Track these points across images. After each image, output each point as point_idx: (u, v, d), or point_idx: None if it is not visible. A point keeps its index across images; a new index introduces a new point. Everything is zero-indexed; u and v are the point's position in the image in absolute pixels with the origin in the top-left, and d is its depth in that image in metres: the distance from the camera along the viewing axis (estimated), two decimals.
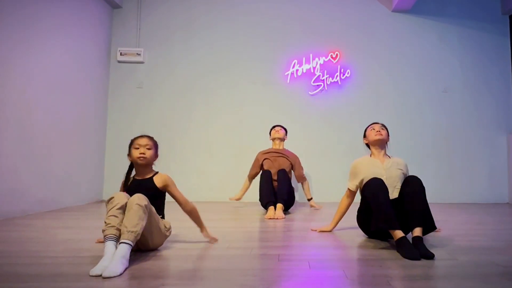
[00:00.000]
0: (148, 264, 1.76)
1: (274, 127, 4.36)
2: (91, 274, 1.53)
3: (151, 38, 5.27)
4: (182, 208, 2.17)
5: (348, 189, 2.60)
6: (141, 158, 2.08)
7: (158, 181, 2.13)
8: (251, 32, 5.26)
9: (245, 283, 1.49)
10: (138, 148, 2.10)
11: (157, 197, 2.11)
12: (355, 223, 2.66)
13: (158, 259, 1.86)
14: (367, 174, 2.41)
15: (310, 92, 5.17)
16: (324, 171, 5.10)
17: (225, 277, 1.58)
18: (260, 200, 3.84)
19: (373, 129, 2.61)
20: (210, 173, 5.11)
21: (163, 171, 2.19)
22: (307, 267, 1.74)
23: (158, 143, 2.20)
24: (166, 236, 2.10)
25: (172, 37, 5.28)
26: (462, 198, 5.10)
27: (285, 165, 4.11)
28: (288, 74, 5.17)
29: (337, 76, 5.16)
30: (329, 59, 5.18)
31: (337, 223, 2.69)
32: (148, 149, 2.10)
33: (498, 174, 5.22)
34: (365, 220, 2.41)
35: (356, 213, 2.54)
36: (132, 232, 1.71)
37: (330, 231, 2.68)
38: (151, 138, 2.17)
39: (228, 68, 5.21)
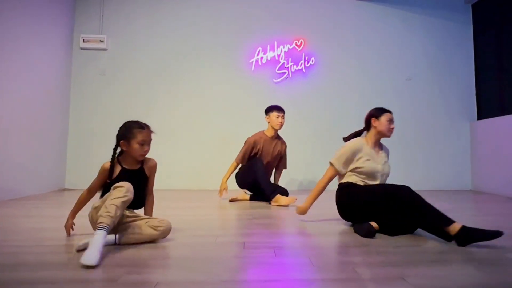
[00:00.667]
0: (113, 253, 1.71)
1: (277, 109, 3.81)
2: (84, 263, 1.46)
3: (114, 25, 5.20)
4: (147, 194, 2.09)
5: (335, 169, 2.46)
6: (144, 156, 1.97)
7: (147, 170, 2.04)
8: (215, 20, 5.23)
9: (210, 271, 1.48)
10: (143, 145, 1.93)
11: (145, 186, 2.04)
12: (323, 210, 2.64)
13: (123, 247, 1.80)
14: (367, 169, 2.40)
15: (274, 80, 5.17)
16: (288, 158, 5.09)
17: (190, 265, 1.56)
18: (249, 186, 3.70)
19: (390, 121, 2.50)
20: (175, 160, 5.07)
21: None
22: (272, 254, 1.73)
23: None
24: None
25: (135, 23, 5.22)
26: (426, 185, 5.16)
27: (278, 155, 3.89)
28: (252, 62, 5.15)
29: (301, 63, 5.16)
30: (294, 46, 5.19)
31: (312, 202, 2.56)
32: (149, 144, 1.98)
33: (461, 162, 5.29)
34: (351, 209, 2.36)
35: (340, 201, 2.43)
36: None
37: (306, 211, 2.58)
38: (150, 128, 2.02)
39: (192, 55, 5.18)
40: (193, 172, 5.05)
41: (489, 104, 5.17)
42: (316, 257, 1.68)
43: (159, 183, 4.86)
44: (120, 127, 1.97)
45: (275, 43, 5.18)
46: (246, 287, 1.32)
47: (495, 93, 5.04)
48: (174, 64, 5.16)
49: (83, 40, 5.11)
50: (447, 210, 2.21)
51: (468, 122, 5.34)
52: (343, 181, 2.46)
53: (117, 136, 1.96)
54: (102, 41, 5.12)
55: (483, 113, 5.26)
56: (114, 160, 1.95)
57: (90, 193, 2.00)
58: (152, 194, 2.12)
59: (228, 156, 5.06)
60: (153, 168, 2.07)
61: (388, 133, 2.47)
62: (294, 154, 5.10)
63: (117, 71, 5.15)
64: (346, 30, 5.30)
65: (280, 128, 3.80)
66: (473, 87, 5.39)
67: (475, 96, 5.38)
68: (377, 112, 2.53)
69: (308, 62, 5.18)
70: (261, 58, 5.14)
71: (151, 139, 1.98)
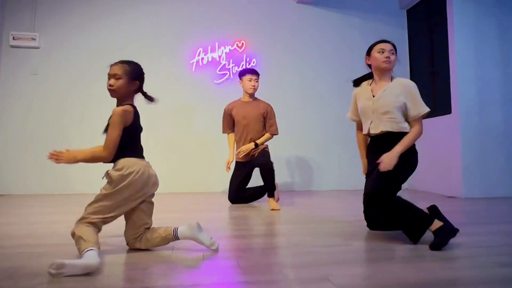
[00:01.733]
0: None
1: (250, 72, 3.76)
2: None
3: (47, 21, 4.98)
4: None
5: (352, 120, 2.45)
6: (110, 91, 1.84)
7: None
8: (155, 19, 5.14)
9: (134, 277, 1.44)
10: (108, 79, 1.84)
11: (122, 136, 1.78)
12: (248, 211, 2.62)
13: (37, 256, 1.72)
14: (359, 110, 2.29)
15: (215, 81, 5.15)
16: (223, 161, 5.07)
17: (113, 272, 1.49)
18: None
19: (382, 51, 2.20)
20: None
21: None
22: (200, 257, 1.71)
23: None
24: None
25: (71, 21, 5.02)
26: (362, 185, 5.29)
27: (260, 116, 3.78)
28: (193, 63, 5.10)
29: (243, 65, 5.17)
30: (235, 48, 5.19)
31: (365, 157, 2.48)
32: (118, 78, 1.83)
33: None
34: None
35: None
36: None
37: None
38: (123, 64, 1.88)
39: (130, 55, 5.00)
40: None
41: None
42: (244, 260, 1.68)
43: (95, 185, 4.70)
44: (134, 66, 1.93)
45: (216, 44, 5.16)
46: None
47: (428, 95, 5.27)
48: (110, 61, 4.99)
49: (13, 37, 4.86)
50: None
51: None
52: None
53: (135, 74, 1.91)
54: (34, 39, 4.89)
55: None
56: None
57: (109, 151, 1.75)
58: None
59: (170, 158, 4.99)
60: (112, 115, 1.83)
61: (383, 64, 2.16)
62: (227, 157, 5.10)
63: (50, 70, 4.93)
64: (287, 32, 5.37)
65: (253, 92, 3.76)
66: None
67: None
68: (369, 48, 2.29)
69: (249, 64, 5.19)
70: (202, 59, 5.10)
71: (116, 74, 1.85)
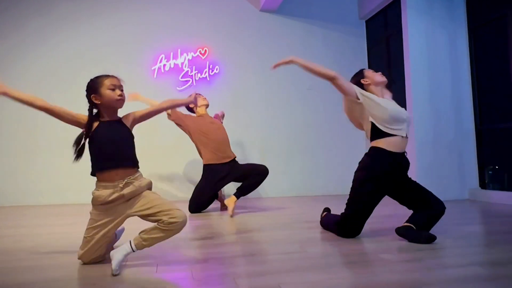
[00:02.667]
0: None
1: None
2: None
3: (3, 26, 4.75)
4: (154, 109, 2.06)
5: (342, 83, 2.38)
6: (121, 101, 1.85)
7: (126, 120, 1.92)
8: (116, 24, 5.02)
9: None
10: (114, 89, 1.83)
11: (131, 142, 1.90)
12: (205, 220, 2.58)
13: None
14: (390, 108, 2.25)
15: (178, 88, 5.09)
16: (191, 166, 5.02)
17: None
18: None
19: (374, 71, 2.46)
20: (71, 174, 4.72)
21: None
22: (154, 270, 1.67)
23: None
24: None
25: (26, 27, 4.82)
26: (324, 191, 5.39)
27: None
28: (155, 69, 5.03)
29: (206, 72, 5.16)
30: (198, 54, 5.17)
31: (308, 69, 2.41)
32: (122, 90, 1.87)
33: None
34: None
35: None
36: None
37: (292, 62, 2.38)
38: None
39: (89, 60, 4.89)
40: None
41: None
42: (198, 270, 1.67)
43: (27, 198, 4.53)
44: (87, 86, 1.87)
45: (179, 50, 5.11)
46: None
47: None
48: (69, 69, 4.83)
49: None
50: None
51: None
52: None
53: (87, 94, 1.85)
54: None
55: None
56: (91, 116, 1.85)
57: (47, 106, 1.81)
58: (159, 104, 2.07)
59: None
60: (132, 114, 1.96)
61: (381, 79, 2.47)
62: (196, 163, 5.04)
63: (6, 78, 4.69)
64: (250, 40, 5.41)
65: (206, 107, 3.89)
66: None
67: None
68: (361, 74, 2.52)
69: (212, 71, 5.18)
70: (164, 65, 5.04)
71: (121, 85, 1.88)
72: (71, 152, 1.83)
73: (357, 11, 5.87)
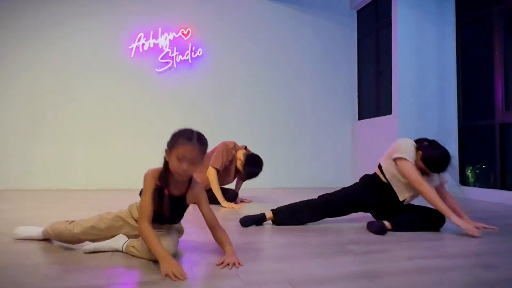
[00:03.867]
0: None
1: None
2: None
3: None
4: (208, 225, 1.65)
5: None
6: (182, 176, 1.52)
7: (190, 198, 1.62)
8: None
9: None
10: (180, 160, 1.48)
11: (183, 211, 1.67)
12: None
13: None
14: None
15: (157, 69, 4.85)
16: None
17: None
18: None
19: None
20: (36, 157, 4.47)
21: None
22: (108, 257, 1.56)
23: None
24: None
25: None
26: (309, 183, 5.26)
27: None
28: (132, 48, 4.77)
29: (188, 54, 4.93)
30: (180, 35, 4.92)
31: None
32: (193, 163, 1.50)
33: (343, 160, 5.51)
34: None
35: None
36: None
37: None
38: (201, 145, 1.52)
39: (60, 36, 4.59)
40: (57, 169, 4.51)
41: (368, 105, 5.46)
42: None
43: (15, 182, 4.33)
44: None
45: (159, 29, 4.86)
46: None
47: (373, 95, 5.33)
48: (38, 46, 4.53)
49: None
50: None
51: (350, 122, 5.59)
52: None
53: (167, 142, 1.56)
54: None
55: (363, 114, 5.54)
56: (164, 176, 1.54)
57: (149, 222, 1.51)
58: (219, 227, 1.65)
59: (101, 153, 4.62)
60: (198, 197, 1.63)
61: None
62: None
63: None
64: (236, 23, 5.19)
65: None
66: (356, 89, 5.65)
67: (356, 98, 5.65)
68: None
69: (195, 53, 4.96)
70: (143, 44, 4.78)
71: (195, 157, 1.50)
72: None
73: (349, 0, 5.69)
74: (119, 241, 1.63)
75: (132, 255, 1.57)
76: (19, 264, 1.45)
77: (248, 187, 4.99)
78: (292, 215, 2.34)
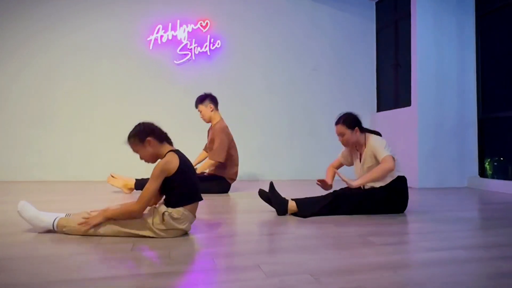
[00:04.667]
0: None
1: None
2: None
3: None
4: None
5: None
6: (147, 162, 1.87)
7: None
8: None
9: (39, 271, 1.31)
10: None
11: (164, 187, 1.78)
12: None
13: None
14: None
15: (176, 61, 4.92)
16: (189, 144, 4.88)
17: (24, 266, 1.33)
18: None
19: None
20: (55, 148, 4.60)
21: None
22: (129, 248, 1.58)
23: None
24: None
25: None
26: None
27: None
28: (151, 40, 4.84)
29: (206, 46, 4.97)
30: (198, 27, 4.97)
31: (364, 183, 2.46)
32: (138, 154, 1.83)
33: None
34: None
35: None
36: None
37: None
38: (130, 140, 1.84)
39: (77, 27, 4.67)
40: (77, 162, 4.63)
41: (387, 97, 5.41)
42: (175, 249, 1.57)
43: (28, 174, 4.48)
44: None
45: (178, 21, 4.91)
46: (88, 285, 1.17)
47: (392, 87, 5.27)
48: (53, 36, 4.61)
49: None
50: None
51: (369, 114, 5.54)
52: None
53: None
54: None
55: (382, 105, 5.49)
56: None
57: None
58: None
59: (119, 145, 4.64)
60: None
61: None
62: (195, 142, 4.89)
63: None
64: (255, 15, 5.20)
65: (205, 121, 3.75)
66: (374, 81, 5.60)
67: (375, 89, 5.60)
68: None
69: (213, 45, 4.99)
70: (161, 36, 4.84)
71: (135, 150, 1.85)
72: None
73: None
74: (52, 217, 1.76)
75: (65, 233, 1.72)
76: (39, 256, 1.46)
77: (264, 179, 5.04)
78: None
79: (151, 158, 1.81)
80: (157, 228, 1.71)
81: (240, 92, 5.13)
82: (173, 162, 1.73)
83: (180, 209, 1.73)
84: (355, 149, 2.63)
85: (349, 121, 2.52)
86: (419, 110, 4.30)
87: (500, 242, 1.80)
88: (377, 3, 5.63)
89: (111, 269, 1.33)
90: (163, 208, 1.73)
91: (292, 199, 2.38)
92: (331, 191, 2.51)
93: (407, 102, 4.67)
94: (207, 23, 4.99)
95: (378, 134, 2.59)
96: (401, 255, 1.57)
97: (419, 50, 4.39)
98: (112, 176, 3.39)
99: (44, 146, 4.56)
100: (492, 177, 4.26)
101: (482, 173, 4.37)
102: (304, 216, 2.30)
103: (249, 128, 5.09)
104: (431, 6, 4.44)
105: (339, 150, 5.53)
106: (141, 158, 1.81)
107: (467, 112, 4.43)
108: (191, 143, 4.80)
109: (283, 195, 2.40)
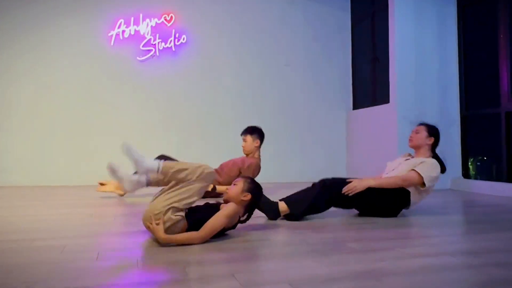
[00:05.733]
0: None
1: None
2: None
3: None
4: None
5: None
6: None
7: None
8: None
9: (16, 278, 1.26)
10: None
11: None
12: None
13: None
14: None
15: (138, 58, 4.55)
16: (153, 147, 4.53)
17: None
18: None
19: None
20: (9, 151, 4.18)
21: None
22: (94, 258, 1.50)
23: None
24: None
25: None
26: (301, 177, 4.97)
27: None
28: (112, 35, 4.45)
29: (171, 41, 4.62)
30: (163, 21, 4.61)
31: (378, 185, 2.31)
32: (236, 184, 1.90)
33: (337, 152, 5.26)
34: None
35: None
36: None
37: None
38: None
39: (34, 23, 4.28)
40: (33, 165, 4.22)
41: (363, 94, 5.21)
42: (145, 258, 1.54)
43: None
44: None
45: (140, 15, 4.55)
46: None
47: (369, 83, 5.08)
48: (10, 34, 4.22)
49: None
50: None
51: (344, 112, 5.33)
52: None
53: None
54: None
55: (358, 103, 5.29)
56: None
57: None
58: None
59: (79, 147, 4.32)
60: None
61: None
62: (159, 142, 4.54)
63: None
64: (222, 8, 4.87)
65: (244, 152, 3.63)
66: (350, 77, 5.39)
67: (351, 86, 5.39)
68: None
69: (178, 40, 4.65)
70: (123, 31, 4.47)
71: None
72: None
73: None
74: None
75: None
76: (34, 262, 1.43)
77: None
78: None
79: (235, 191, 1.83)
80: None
81: (207, 89, 4.81)
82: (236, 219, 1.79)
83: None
84: (409, 155, 2.57)
85: (433, 129, 2.51)
86: (398, 107, 4.12)
87: (490, 247, 1.72)
88: None
89: (76, 280, 1.25)
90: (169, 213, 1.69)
91: (280, 200, 2.26)
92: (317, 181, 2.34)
93: (385, 99, 4.48)
94: (171, 17, 4.63)
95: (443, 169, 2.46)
96: (384, 262, 1.48)
97: (397, 43, 4.19)
98: (101, 184, 3.21)
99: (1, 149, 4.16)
100: (476, 178, 4.13)
101: (466, 173, 4.23)
102: (297, 218, 2.21)
103: (218, 128, 4.78)
104: None
105: (312, 150, 5.28)
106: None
107: (449, 109, 4.26)
108: (153, 141, 4.47)
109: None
